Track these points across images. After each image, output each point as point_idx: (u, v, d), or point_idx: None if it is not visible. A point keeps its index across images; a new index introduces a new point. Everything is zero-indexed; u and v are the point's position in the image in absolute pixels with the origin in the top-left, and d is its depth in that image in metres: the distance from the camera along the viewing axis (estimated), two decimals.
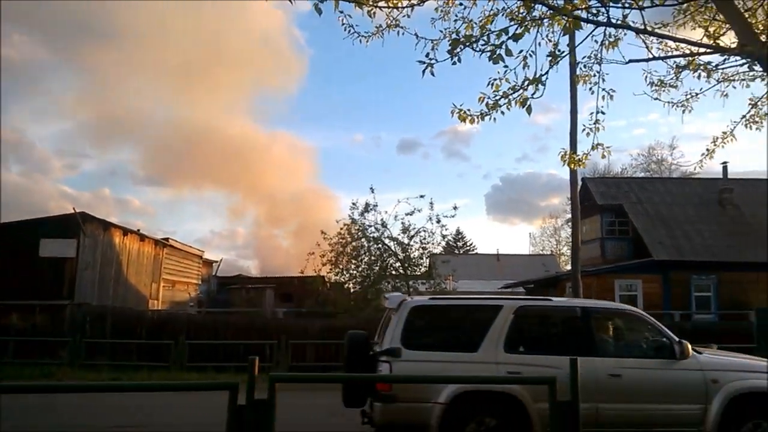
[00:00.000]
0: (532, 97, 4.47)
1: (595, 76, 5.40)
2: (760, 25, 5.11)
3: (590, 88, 5.38)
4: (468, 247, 67.42)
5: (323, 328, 18.03)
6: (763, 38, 5.18)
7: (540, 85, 4.42)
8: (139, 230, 26.54)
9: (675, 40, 4.69)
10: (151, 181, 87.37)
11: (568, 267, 25.58)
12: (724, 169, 28.67)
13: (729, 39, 5.25)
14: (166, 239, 29.43)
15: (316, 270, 21.87)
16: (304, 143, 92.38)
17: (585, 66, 5.27)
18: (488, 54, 4.02)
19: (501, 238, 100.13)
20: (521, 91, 4.51)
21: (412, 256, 21.89)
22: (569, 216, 19.50)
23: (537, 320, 7.57)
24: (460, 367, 6.74)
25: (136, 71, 75.99)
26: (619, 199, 27.02)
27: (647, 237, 25.07)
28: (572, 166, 5.72)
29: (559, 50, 4.38)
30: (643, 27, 4.41)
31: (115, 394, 10.84)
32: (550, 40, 4.48)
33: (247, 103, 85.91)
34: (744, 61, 4.60)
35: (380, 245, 21.76)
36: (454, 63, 4.11)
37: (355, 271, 21.75)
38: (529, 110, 4.44)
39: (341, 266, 21.64)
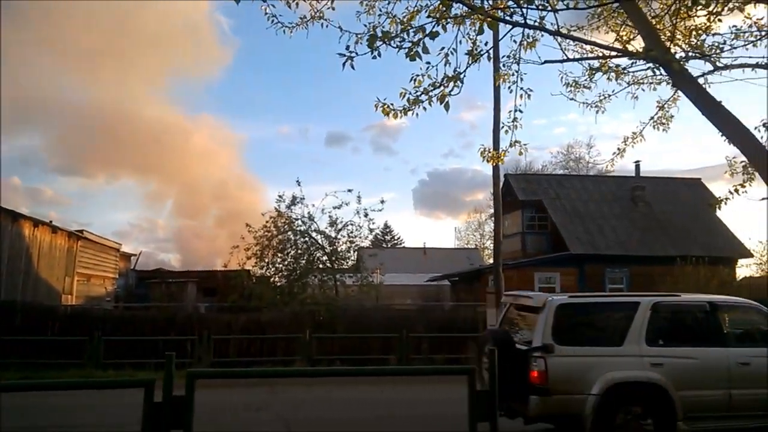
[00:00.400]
0: (451, 94, 4.56)
1: (514, 75, 5.56)
2: (666, 32, 5.42)
3: (509, 87, 5.55)
4: (396, 241, 68.08)
5: (248, 322, 17.74)
6: (667, 44, 5.50)
7: (459, 83, 4.51)
8: (51, 222, 25.15)
9: (586, 42, 4.90)
10: (64, 170, 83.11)
11: (491, 260, 26.30)
12: (637, 167, 30.28)
13: (639, 44, 5.54)
14: (81, 231, 28.05)
15: (241, 264, 21.48)
16: (229, 133, 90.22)
17: (504, 65, 5.41)
18: (405, 51, 4.07)
19: (428, 232, 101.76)
20: (441, 87, 4.59)
21: (339, 249, 21.89)
22: (492, 211, 20.04)
23: (670, 315, 7.85)
24: (608, 360, 7.12)
25: (45, 52, 71.79)
26: (539, 195, 28.03)
27: (565, 232, 26.15)
28: (491, 162, 5.88)
29: (478, 49, 4.49)
30: (556, 29, 4.58)
31: (28, 394, 10.24)
32: (470, 39, 4.58)
33: (167, 88, 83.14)
34: (649, 65, 4.86)
35: (307, 239, 21.62)
36: (374, 57, 4.14)
37: (281, 265, 21.51)
38: (447, 107, 4.53)
39: (267, 260, 21.35)
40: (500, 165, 17.83)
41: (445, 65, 4.81)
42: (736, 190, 5.58)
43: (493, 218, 20.26)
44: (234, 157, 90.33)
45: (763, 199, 3.85)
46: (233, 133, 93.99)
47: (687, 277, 21.96)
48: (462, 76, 4.49)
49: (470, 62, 4.48)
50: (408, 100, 4.69)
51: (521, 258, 27.04)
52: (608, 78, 5.79)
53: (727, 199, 6.08)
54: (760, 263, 30.19)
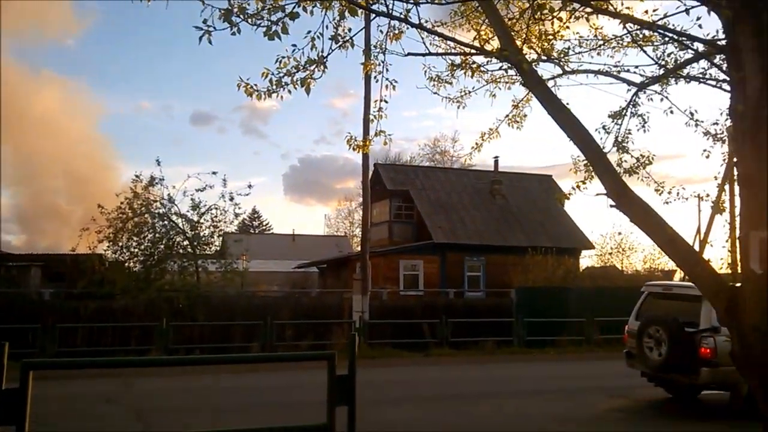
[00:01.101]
0: (314, 78, 4.50)
1: (380, 65, 5.59)
2: (522, 34, 5.72)
3: (375, 77, 5.58)
4: (264, 227, 66.88)
5: (98, 310, 16.57)
6: (522, 46, 5.81)
7: (323, 67, 4.46)
8: None
9: (447, 38, 5.05)
10: None
11: (360, 248, 26.71)
12: (496, 163, 32.05)
13: (497, 44, 5.79)
14: None
15: (92, 247, 19.95)
16: (83, 102, 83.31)
17: (370, 55, 5.43)
18: (264, 30, 3.95)
19: (298, 219, 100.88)
20: (305, 71, 4.50)
21: (202, 234, 21.00)
22: (362, 199, 20.32)
23: None
24: None
25: None
26: (407, 186, 28.82)
27: (429, 221, 27.14)
28: (357, 151, 5.90)
29: (342, 35, 4.46)
30: (419, 23, 4.68)
31: None
32: (334, 24, 4.53)
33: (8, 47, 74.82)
34: (503, 64, 5.12)
35: (166, 222, 20.52)
36: (233, 33, 3.96)
37: (136, 249, 20.25)
38: (308, 90, 4.46)
39: (121, 243, 20.00)
40: (370, 154, 18.04)
41: (312, 49, 4.73)
42: (578, 187, 6.04)
43: (362, 206, 20.50)
44: (87, 130, 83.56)
45: (598, 194, 4.22)
46: (88, 104, 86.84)
47: (537, 266, 23.72)
48: (325, 60, 4.43)
49: (332, 47, 4.45)
50: (271, 81, 4.55)
51: (388, 246, 27.69)
52: (468, 75, 6.02)
53: (570, 194, 6.58)
54: (601, 254, 33.24)
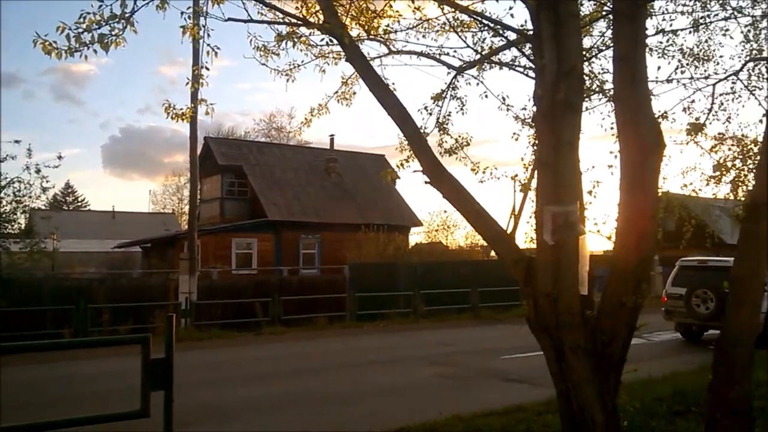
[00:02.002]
0: (118, 37, 4.08)
1: (201, 30, 5.25)
2: (348, 9, 5.70)
3: (194, 42, 5.23)
4: (80, 203, 61.17)
5: None
6: (350, 22, 5.81)
7: (128, 25, 4.06)
8: None
9: (266, 5, 4.88)
10: None
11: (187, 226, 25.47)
12: (331, 141, 32.25)
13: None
14: None
15: None
16: None
17: (189, 17, 5.07)
18: None
19: (119, 194, 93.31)
20: (109, 27, 4.07)
21: (2, 210, 18.60)
22: (190, 174, 19.24)
23: None
24: None
25: None
26: (240, 161, 27.95)
27: (263, 198, 26.63)
28: (176, 120, 5.51)
29: None
30: None
31: None
32: None
33: None
34: (329, 38, 5.07)
35: None
36: None
37: None
38: (105, 48, 4.05)
39: None
40: (202, 127, 17.18)
41: (122, 6, 4.30)
42: (401, 165, 6.22)
43: (190, 181, 19.47)
44: None
45: (415, 171, 4.39)
46: None
47: (369, 243, 24.41)
48: (129, 16, 4.04)
49: (137, 5, 4.05)
50: (68, 37, 4.05)
51: (220, 224, 26.74)
52: (298, 47, 5.89)
53: (393, 172, 6.77)
54: (428, 231, 35.09)
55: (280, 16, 5.44)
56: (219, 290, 18.44)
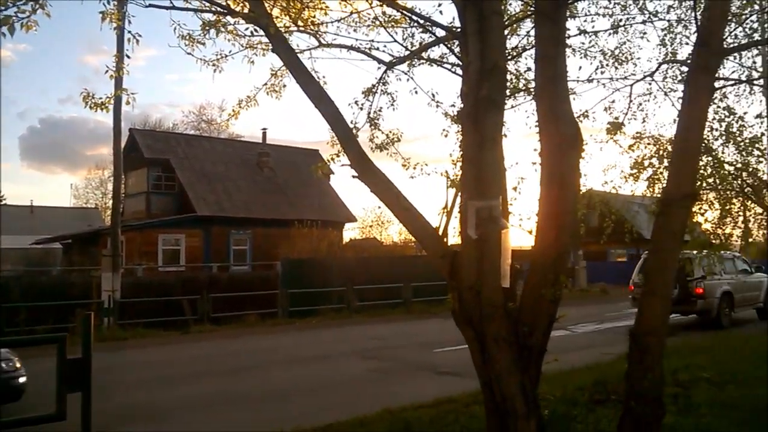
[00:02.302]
0: (21, 17, 3.82)
1: (123, 16, 5.03)
2: (281, 1, 5.60)
3: (115, 29, 5.00)
4: None
5: None
6: (279, 13, 5.71)
7: (39, 8, 3.83)
8: None
9: None
10: None
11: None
12: (264, 134, 31.73)
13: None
14: None
15: None
16: None
17: (109, 2, 4.84)
18: None
19: (38, 188, 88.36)
20: (13, 8, 3.82)
21: None
22: (114, 167, 18.45)
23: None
24: (719, 283, 15.70)
25: None
26: (167, 154, 27.06)
27: (192, 192, 25.89)
28: (94, 110, 5.26)
29: None
30: None
31: None
32: None
33: None
34: (255, 28, 4.95)
35: None
36: None
37: None
38: (11, 31, 3.79)
39: None
40: (127, 119, 16.55)
41: None
42: (332, 159, 6.18)
43: (114, 175, 18.69)
44: None
45: (343, 165, 4.38)
46: None
47: (302, 239, 24.19)
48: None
49: None
50: None
51: (146, 219, 25.81)
52: (223, 37, 5.73)
53: (323, 166, 6.72)
54: (363, 227, 35.16)
55: (206, 3, 5.29)
56: (144, 288, 17.83)
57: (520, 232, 4.76)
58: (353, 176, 4.48)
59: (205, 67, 5.99)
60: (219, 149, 29.90)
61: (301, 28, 5.88)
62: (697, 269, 14.88)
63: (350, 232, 34.88)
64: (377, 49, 6.18)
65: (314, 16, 5.76)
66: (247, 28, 5.08)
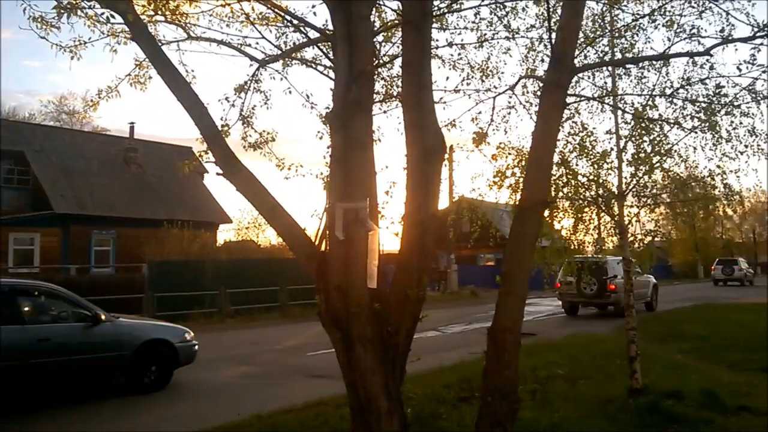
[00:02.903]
0: None
1: None
2: None
3: None
4: None
5: None
6: (146, 2, 5.40)
7: None
8: None
9: None
10: None
11: None
12: (131, 129, 29.91)
13: None
14: None
15: None
16: None
17: None
18: None
19: None
20: None
21: None
22: None
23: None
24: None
25: None
26: (21, 146, 24.74)
27: (49, 188, 23.87)
28: None
29: None
30: None
31: None
32: None
33: None
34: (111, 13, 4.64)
35: None
36: None
37: None
38: None
39: None
40: None
41: None
42: (200, 156, 5.97)
43: None
44: None
45: (208, 161, 4.23)
46: None
47: (173, 240, 23.10)
48: None
49: None
50: None
51: None
52: (83, 22, 5.32)
53: (191, 163, 6.46)
54: (239, 228, 34.21)
55: None
56: None
57: (391, 234, 4.86)
58: (218, 174, 4.35)
59: (62, 54, 5.56)
60: (81, 143, 27.80)
61: (169, 19, 5.61)
62: (611, 268, 18.95)
63: (225, 234, 33.83)
64: (249, 45, 6.05)
65: (178, 6, 5.51)
66: (103, 14, 4.75)
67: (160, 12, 5.38)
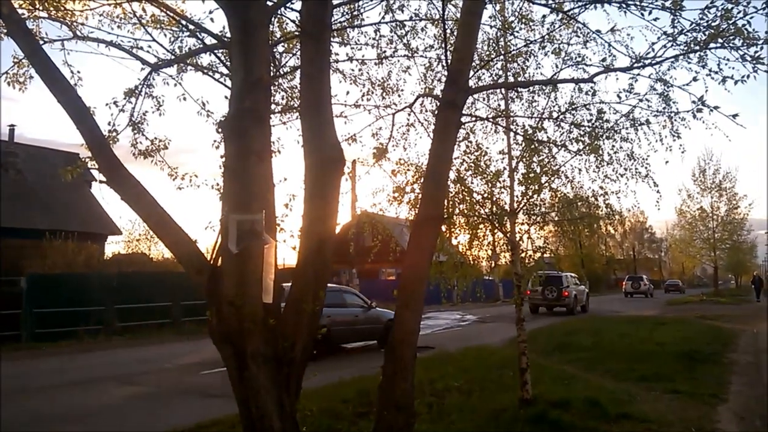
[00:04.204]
0: None
1: None
2: None
3: None
4: None
5: None
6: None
7: None
8: None
9: None
10: None
11: None
12: (11, 132, 27.70)
13: None
14: None
15: None
16: None
17: None
18: None
19: None
20: None
21: None
22: None
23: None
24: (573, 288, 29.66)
25: None
26: None
27: None
28: None
29: None
30: None
31: None
32: None
33: None
34: None
35: None
36: None
37: None
38: None
39: None
40: None
41: None
42: (84, 163, 5.61)
43: None
44: None
45: (89, 168, 3.98)
46: None
47: (56, 252, 21.56)
48: None
49: None
50: None
51: None
52: None
53: (74, 170, 6.05)
54: (129, 240, 32.48)
55: None
56: None
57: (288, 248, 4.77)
58: (101, 181, 4.09)
59: None
60: None
61: (53, 15, 5.26)
62: (565, 280, 28.37)
63: (114, 246, 32.01)
64: (142, 49, 5.78)
65: (65, 4, 5.18)
66: None
67: (41, 7, 5.02)
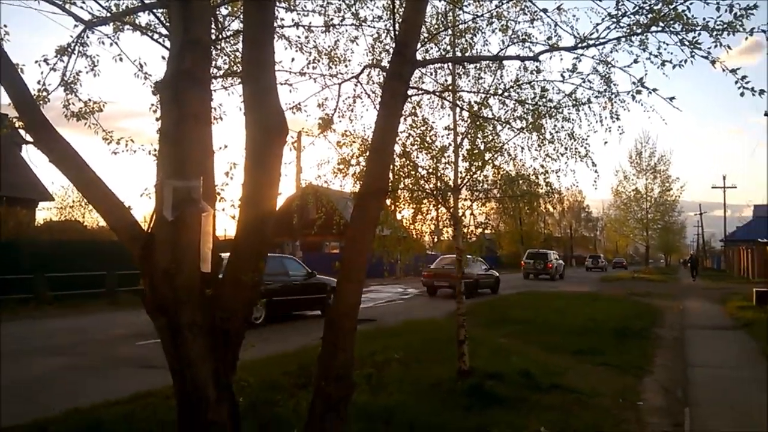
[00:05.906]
0: None
1: None
2: None
3: None
4: None
5: None
6: None
7: None
8: None
9: None
10: None
11: None
12: None
13: None
14: None
15: None
16: None
17: None
18: None
19: None
20: None
21: None
22: None
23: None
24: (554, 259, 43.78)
25: None
26: None
27: None
28: None
29: None
30: None
31: None
32: None
33: None
34: None
35: None
36: None
37: None
38: None
39: None
40: None
41: None
42: (12, 123, 5.31)
43: None
44: None
45: (17, 128, 3.76)
46: None
47: None
48: None
49: None
50: None
51: None
52: None
53: (1, 130, 5.72)
54: (62, 207, 31.18)
55: None
56: None
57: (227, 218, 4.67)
58: (27, 142, 3.87)
59: None
60: None
61: None
62: (551, 256, 41.16)
63: (46, 213, 30.66)
64: (75, 4, 5.46)
65: None
66: None
67: None
